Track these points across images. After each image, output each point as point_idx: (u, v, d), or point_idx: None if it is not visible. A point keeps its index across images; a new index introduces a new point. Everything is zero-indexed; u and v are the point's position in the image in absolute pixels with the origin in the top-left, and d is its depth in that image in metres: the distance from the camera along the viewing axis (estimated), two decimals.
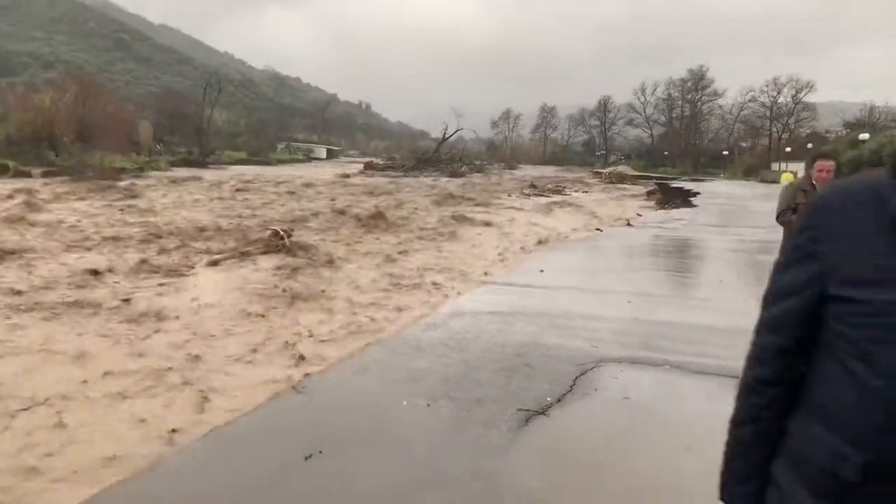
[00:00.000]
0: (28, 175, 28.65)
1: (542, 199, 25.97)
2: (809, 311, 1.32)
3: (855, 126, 71.25)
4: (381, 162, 60.92)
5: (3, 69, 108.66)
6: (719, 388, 4.93)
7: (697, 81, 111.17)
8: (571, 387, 5.04)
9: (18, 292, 7.54)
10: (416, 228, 15.29)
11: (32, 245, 10.81)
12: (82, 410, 4.37)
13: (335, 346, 6.11)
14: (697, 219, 22.03)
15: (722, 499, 1.50)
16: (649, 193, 34.88)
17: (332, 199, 22.86)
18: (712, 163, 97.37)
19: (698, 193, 39.48)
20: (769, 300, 1.40)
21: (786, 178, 63.53)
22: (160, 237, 12.50)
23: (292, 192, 25.85)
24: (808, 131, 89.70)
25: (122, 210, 17.04)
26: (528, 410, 4.53)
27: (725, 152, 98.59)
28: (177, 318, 6.80)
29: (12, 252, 9.87)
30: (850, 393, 1.23)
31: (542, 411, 4.55)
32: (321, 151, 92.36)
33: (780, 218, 5.83)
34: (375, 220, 16.17)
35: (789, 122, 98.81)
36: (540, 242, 14.02)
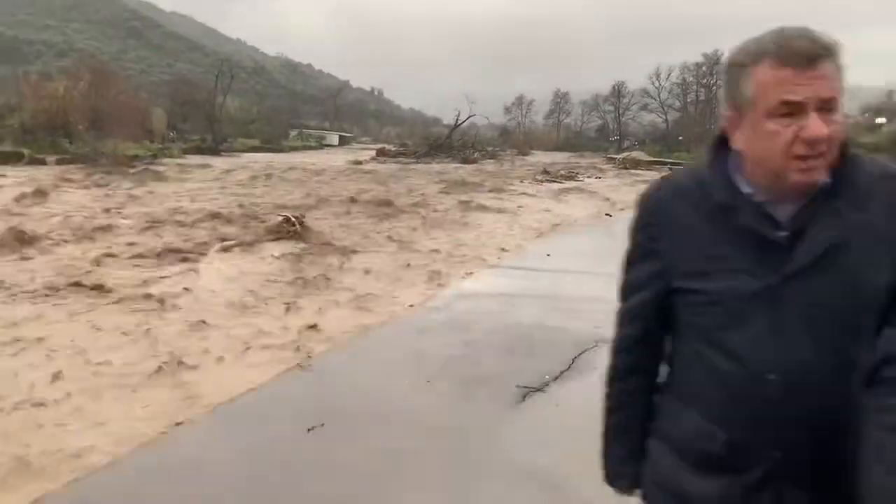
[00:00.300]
0: (43, 163, 28.92)
1: (555, 186, 25.96)
2: (659, 303, 1.39)
3: (873, 110, 70.49)
4: (394, 148, 60.85)
5: (18, 57, 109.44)
6: None
7: (713, 66, 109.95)
8: (570, 365, 5.15)
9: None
10: (426, 215, 15.40)
11: (48, 232, 11.02)
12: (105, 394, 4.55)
13: (341, 327, 6.25)
14: None
15: (606, 481, 1.58)
16: None
17: (343, 186, 22.99)
18: None
19: None
20: (623, 294, 1.47)
21: None
22: (172, 223, 12.68)
23: (303, 179, 26.00)
24: None
25: (134, 197, 17.25)
26: (526, 388, 4.65)
27: None
28: (188, 301, 6.96)
29: (26, 239, 10.09)
30: (706, 375, 1.32)
31: (541, 388, 4.67)
32: (333, 138, 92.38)
33: None
34: (386, 207, 16.29)
35: None
36: (551, 228, 14.10)
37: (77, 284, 7.34)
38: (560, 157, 64.43)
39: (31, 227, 11.02)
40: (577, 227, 14.61)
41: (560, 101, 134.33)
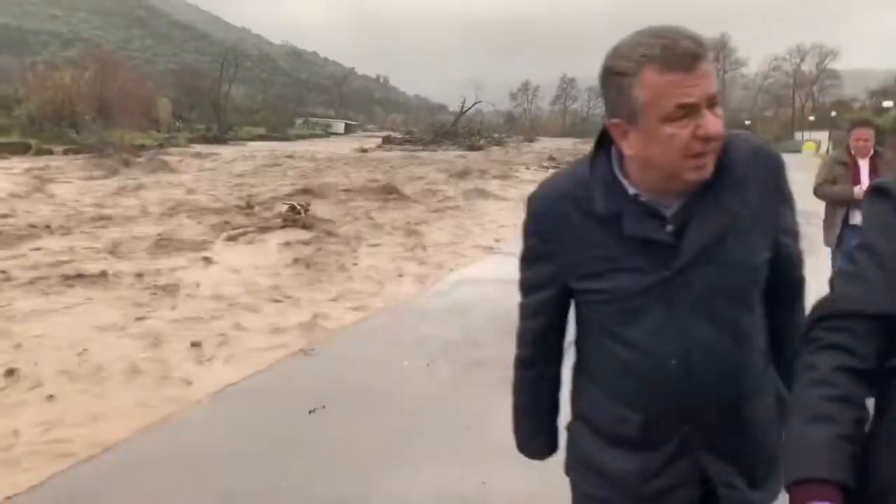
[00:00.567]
0: (50, 153, 29.15)
1: None
2: (559, 301, 1.45)
3: (880, 94, 69.92)
4: (399, 136, 60.87)
5: (24, 48, 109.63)
6: None
7: (720, 51, 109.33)
8: (567, 349, 5.24)
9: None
10: (431, 202, 15.50)
11: (56, 221, 11.18)
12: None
13: (345, 313, 6.38)
14: None
15: (519, 450, 1.69)
16: None
17: (349, 174, 23.10)
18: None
19: None
20: (523, 290, 1.50)
21: (809, 149, 62.91)
22: (178, 213, 12.82)
23: (309, 167, 26.11)
24: (832, 100, 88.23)
25: (140, 186, 17.40)
26: None
27: (748, 122, 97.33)
28: (196, 289, 7.10)
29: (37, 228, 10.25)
30: (613, 364, 1.39)
31: None
32: (339, 126, 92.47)
33: (818, 191, 5.54)
34: (392, 195, 16.39)
35: (813, 90, 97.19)
36: None
37: (79, 276, 7.46)
38: (566, 144, 64.25)
39: (38, 218, 11.19)
40: None
41: (566, 86, 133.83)
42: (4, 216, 11.46)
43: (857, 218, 5.04)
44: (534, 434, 1.65)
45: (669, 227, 1.28)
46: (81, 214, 12.06)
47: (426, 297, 7.04)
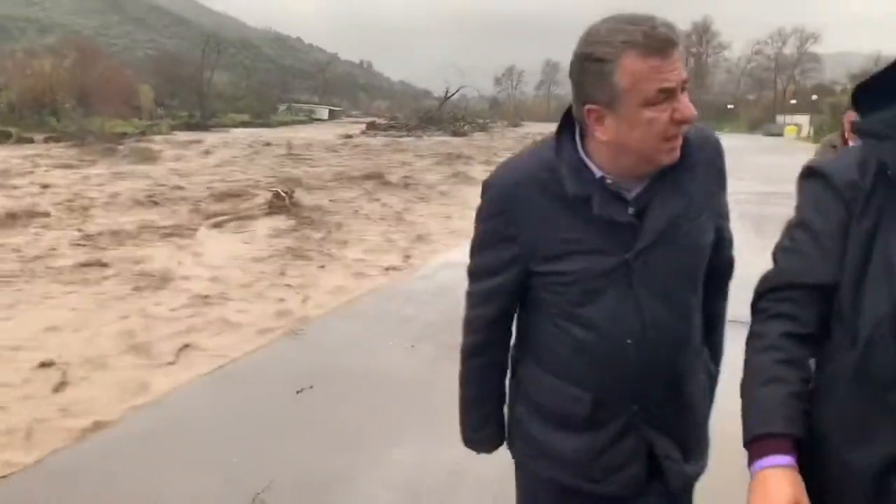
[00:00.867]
0: (30, 141, 28.85)
1: None
2: (516, 285, 1.45)
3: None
4: (384, 122, 60.65)
5: (2, 35, 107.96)
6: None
7: (702, 34, 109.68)
8: None
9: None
10: (415, 188, 15.58)
11: (47, 210, 11.16)
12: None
13: (331, 297, 6.48)
14: None
15: (464, 443, 1.69)
16: None
17: (334, 160, 23.09)
18: (718, 117, 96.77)
19: None
20: (476, 276, 1.50)
21: (790, 132, 63.34)
22: (163, 199, 12.82)
23: (293, 154, 26.05)
24: (813, 83, 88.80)
25: (123, 174, 17.32)
26: None
27: (730, 106, 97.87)
28: (181, 276, 7.17)
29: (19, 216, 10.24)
30: (565, 345, 1.41)
31: None
32: (323, 112, 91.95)
33: None
34: (376, 181, 16.44)
35: (794, 73, 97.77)
36: None
37: (62, 266, 7.51)
38: (551, 129, 64.25)
39: (20, 205, 11.17)
40: None
41: (550, 71, 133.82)
42: None
43: None
44: (482, 425, 1.64)
45: (631, 210, 1.33)
46: (63, 203, 12.03)
47: (411, 281, 7.16)
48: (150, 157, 22.20)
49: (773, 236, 1.36)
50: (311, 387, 4.19)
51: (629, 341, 1.36)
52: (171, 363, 4.75)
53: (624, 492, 1.46)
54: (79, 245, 8.54)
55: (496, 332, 1.53)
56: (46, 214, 10.69)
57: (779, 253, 1.27)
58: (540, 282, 1.41)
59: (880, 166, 1.17)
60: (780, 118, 77.51)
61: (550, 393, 1.46)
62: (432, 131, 50.82)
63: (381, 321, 5.67)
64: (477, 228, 1.48)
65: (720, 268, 1.53)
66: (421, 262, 8.14)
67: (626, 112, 1.24)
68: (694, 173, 1.37)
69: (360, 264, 7.93)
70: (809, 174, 1.28)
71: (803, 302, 1.20)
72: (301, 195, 13.00)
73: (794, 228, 1.26)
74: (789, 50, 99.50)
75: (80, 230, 9.47)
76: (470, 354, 1.57)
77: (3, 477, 3.18)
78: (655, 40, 1.19)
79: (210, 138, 35.80)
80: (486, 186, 1.44)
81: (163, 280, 6.96)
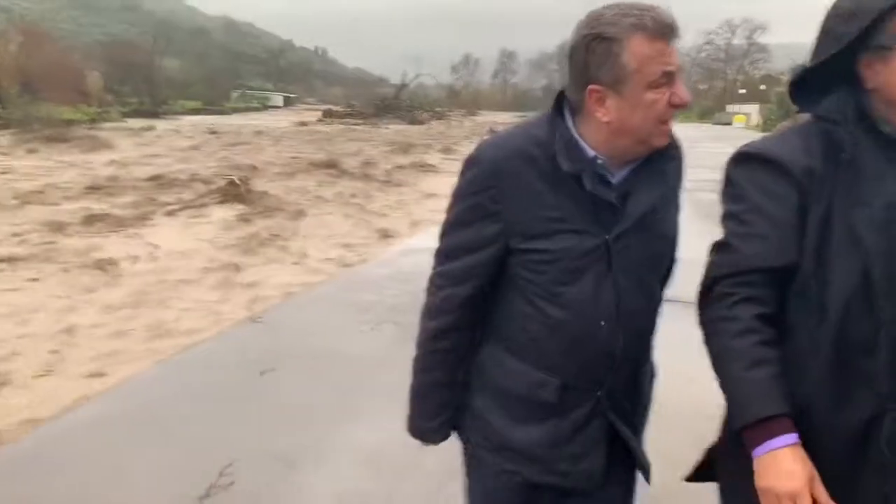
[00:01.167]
0: None
1: None
2: (495, 263, 1.44)
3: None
4: (340, 109, 60.14)
5: None
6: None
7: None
8: None
9: None
10: (373, 176, 15.56)
11: None
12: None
13: (290, 284, 6.52)
14: None
15: (412, 435, 1.64)
16: None
17: (289, 148, 22.87)
18: None
19: None
20: (451, 255, 1.48)
21: (739, 121, 64.71)
22: (115, 188, 12.58)
23: (248, 141, 25.73)
24: (762, 73, 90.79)
25: (71, 163, 16.92)
26: None
27: None
28: (136, 265, 7.11)
29: None
30: (540, 326, 1.41)
31: None
32: (278, 99, 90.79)
33: None
34: (333, 169, 16.35)
35: (744, 64, 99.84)
36: None
37: (14, 256, 7.38)
38: (507, 117, 64.52)
39: None
40: None
41: (506, 60, 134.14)
42: None
43: None
44: (438, 412, 1.58)
45: (614, 193, 1.37)
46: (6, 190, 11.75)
47: (371, 267, 7.23)
48: (99, 145, 21.68)
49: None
50: (274, 369, 4.26)
51: (603, 323, 1.39)
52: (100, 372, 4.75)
53: (587, 483, 1.49)
54: (16, 235, 8.36)
55: (466, 314, 1.50)
56: None
57: (734, 239, 1.30)
58: (520, 259, 1.41)
59: (833, 148, 1.25)
60: (730, 107, 79.15)
61: (515, 377, 1.47)
62: (389, 119, 50.62)
63: (341, 306, 5.74)
64: (455, 206, 1.47)
65: (671, 262, 1.58)
66: (380, 249, 8.22)
67: (631, 93, 1.28)
68: (672, 165, 1.45)
69: (317, 252, 7.97)
70: (746, 158, 1.33)
71: (766, 285, 1.25)
72: (256, 183, 12.91)
73: (748, 214, 1.29)
74: (739, 41, 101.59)
75: (16, 223, 9.25)
76: (436, 337, 1.52)
77: None
78: (662, 25, 1.25)
79: (161, 125, 35.09)
80: (472, 162, 1.43)
81: (111, 270, 6.87)
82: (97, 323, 5.23)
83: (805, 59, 1.39)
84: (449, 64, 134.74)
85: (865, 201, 1.21)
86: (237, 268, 7.02)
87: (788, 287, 1.27)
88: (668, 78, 1.28)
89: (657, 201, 1.41)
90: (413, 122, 49.61)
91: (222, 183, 12.27)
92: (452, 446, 3.00)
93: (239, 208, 10.57)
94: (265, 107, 77.17)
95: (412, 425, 1.63)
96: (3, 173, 14.03)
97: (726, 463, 1.43)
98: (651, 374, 1.61)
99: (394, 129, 39.14)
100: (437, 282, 1.51)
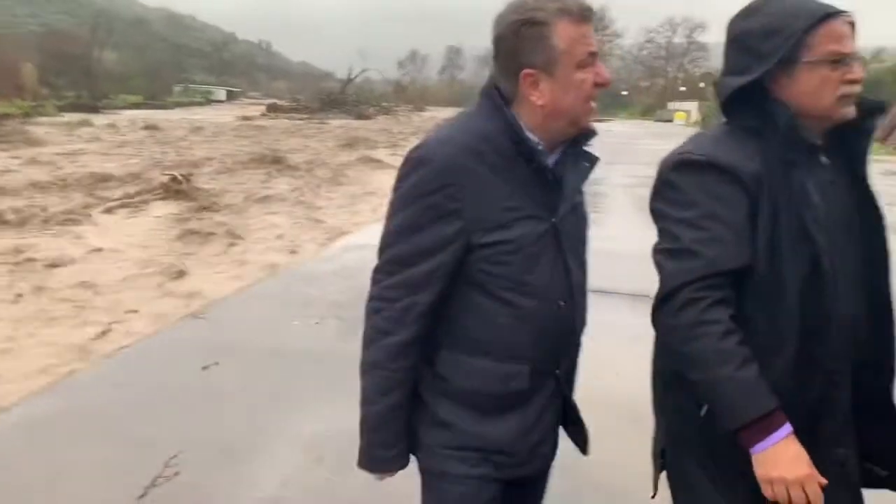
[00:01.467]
0: None
1: None
2: (456, 263, 1.40)
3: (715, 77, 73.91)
4: (285, 104, 59.45)
5: None
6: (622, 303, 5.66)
7: (598, 22, 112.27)
8: None
9: None
10: (318, 171, 15.51)
11: None
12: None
13: (232, 281, 6.54)
14: None
15: (364, 468, 1.51)
16: None
17: (232, 143, 22.59)
18: (613, 102, 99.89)
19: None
20: (407, 262, 1.40)
21: (679, 118, 66.22)
22: (54, 185, 12.28)
23: (190, 136, 25.30)
24: (701, 71, 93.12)
25: (12, 157, 16.41)
26: None
27: (625, 92, 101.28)
28: (73, 264, 7.01)
29: None
30: (508, 318, 1.42)
31: None
32: (221, 94, 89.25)
33: None
34: (277, 164, 16.23)
35: (684, 62, 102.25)
36: None
37: None
38: (454, 113, 64.55)
39: None
40: None
41: (453, 56, 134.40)
42: None
43: None
44: (397, 439, 1.49)
45: (551, 177, 1.43)
46: None
47: (313, 263, 7.28)
48: (33, 140, 21.02)
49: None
50: (217, 363, 4.30)
51: (562, 303, 1.45)
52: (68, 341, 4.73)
53: (543, 465, 1.56)
54: None
55: (424, 325, 1.43)
56: None
57: (695, 245, 1.33)
58: (482, 255, 1.39)
59: (769, 152, 1.35)
60: (671, 105, 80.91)
61: (482, 375, 1.45)
62: (336, 114, 50.27)
63: (285, 302, 5.80)
64: (402, 210, 1.42)
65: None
66: (324, 245, 8.26)
67: (563, 73, 1.35)
68: (588, 148, 1.51)
69: (260, 248, 7.97)
70: (699, 166, 1.38)
71: (729, 286, 1.33)
72: (198, 179, 12.76)
73: (704, 220, 1.34)
74: (679, 39, 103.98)
75: None
76: (398, 354, 1.42)
77: None
78: (584, 9, 1.35)
79: (100, 120, 34.18)
80: (419, 162, 1.39)
81: (46, 268, 6.77)
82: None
83: (720, 69, 1.53)
84: (396, 60, 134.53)
85: (809, 203, 1.34)
86: (178, 264, 6.98)
87: (743, 287, 1.35)
88: (593, 58, 1.36)
89: (581, 185, 1.50)
90: (359, 116, 49.36)
91: (164, 179, 12.09)
92: None
93: (180, 205, 10.45)
94: (208, 101, 75.74)
95: (368, 458, 1.50)
96: None
97: (688, 457, 1.49)
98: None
99: (340, 124, 38.90)
100: (391, 294, 1.42)
